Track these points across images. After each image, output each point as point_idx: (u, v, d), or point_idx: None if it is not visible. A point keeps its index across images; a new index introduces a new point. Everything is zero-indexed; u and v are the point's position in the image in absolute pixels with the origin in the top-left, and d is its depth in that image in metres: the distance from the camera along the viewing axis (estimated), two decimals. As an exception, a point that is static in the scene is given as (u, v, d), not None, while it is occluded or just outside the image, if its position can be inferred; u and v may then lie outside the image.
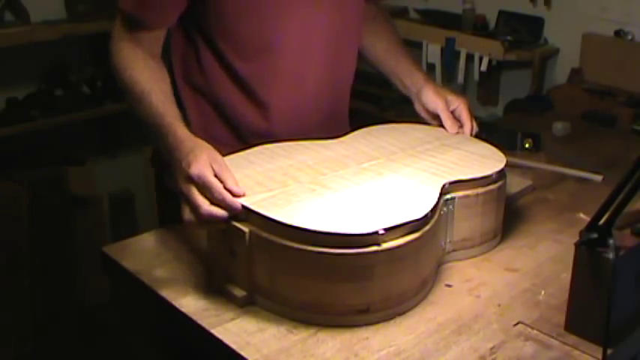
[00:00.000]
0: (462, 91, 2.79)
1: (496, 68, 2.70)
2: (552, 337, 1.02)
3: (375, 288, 1.02)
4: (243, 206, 1.03)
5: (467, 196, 1.18)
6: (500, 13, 2.69)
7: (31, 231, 2.57)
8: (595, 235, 0.98)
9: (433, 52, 2.79)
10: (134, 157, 3.07)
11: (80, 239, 2.74)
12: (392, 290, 1.04)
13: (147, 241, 1.27)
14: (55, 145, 2.81)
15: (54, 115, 2.68)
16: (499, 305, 1.10)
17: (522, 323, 1.06)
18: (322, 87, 1.39)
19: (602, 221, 0.98)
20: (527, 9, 2.63)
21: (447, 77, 2.83)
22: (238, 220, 1.04)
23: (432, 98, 1.43)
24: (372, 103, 2.88)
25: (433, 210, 1.08)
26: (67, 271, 2.71)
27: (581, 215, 1.38)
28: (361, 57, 1.50)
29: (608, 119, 2.06)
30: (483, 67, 2.63)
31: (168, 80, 1.24)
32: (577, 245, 1.00)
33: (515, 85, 2.70)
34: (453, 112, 1.42)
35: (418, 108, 1.47)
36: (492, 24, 2.73)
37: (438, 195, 1.12)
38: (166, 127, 1.14)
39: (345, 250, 0.98)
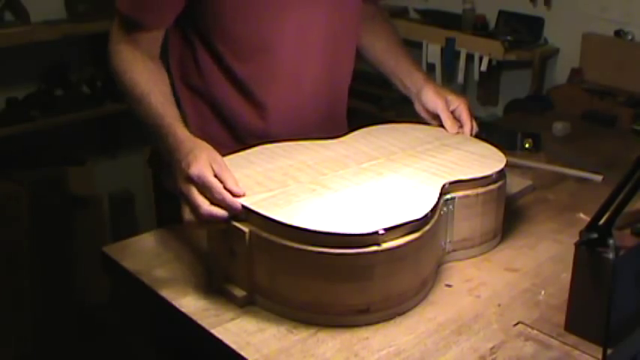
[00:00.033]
0: (462, 91, 2.78)
1: (496, 68, 2.70)
2: (552, 337, 1.02)
3: (375, 288, 1.02)
4: (243, 206, 1.03)
5: (467, 196, 1.18)
6: (500, 13, 2.69)
7: (31, 231, 2.56)
8: (595, 235, 0.98)
9: (433, 52, 2.79)
10: (134, 157, 3.07)
11: (80, 239, 2.74)
12: (392, 290, 1.04)
13: (147, 241, 1.27)
14: (55, 145, 2.81)
15: (54, 115, 2.68)
16: (499, 305, 1.10)
17: (522, 323, 1.06)
18: (320, 87, 1.39)
19: (602, 221, 0.98)
20: (527, 9, 2.63)
21: (447, 77, 2.83)
22: (238, 220, 1.04)
23: (431, 98, 1.42)
24: (372, 103, 2.88)
25: (433, 210, 1.08)
26: (67, 271, 2.71)
27: (581, 215, 1.38)
28: (361, 57, 1.50)
29: (608, 119, 2.06)
30: (483, 67, 2.63)
31: (167, 81, 1.23)
32: (577, 245, 1.00)
33: (515, 85, 2.69)
34: (453, 112, 1.42)
35: (418, 108, 1.47)
36: (492, 24, 2.72)
37: (438, 195, 1.12)
38: (166, 127, 1.14)
39: (345, 250, 0.98)
